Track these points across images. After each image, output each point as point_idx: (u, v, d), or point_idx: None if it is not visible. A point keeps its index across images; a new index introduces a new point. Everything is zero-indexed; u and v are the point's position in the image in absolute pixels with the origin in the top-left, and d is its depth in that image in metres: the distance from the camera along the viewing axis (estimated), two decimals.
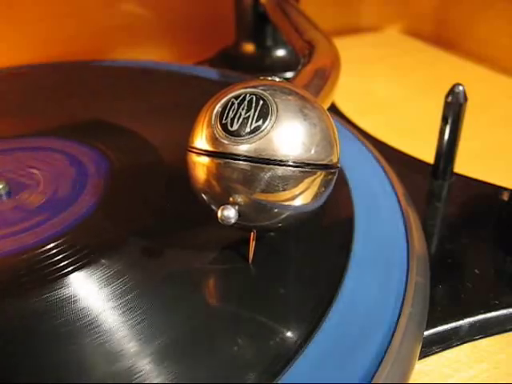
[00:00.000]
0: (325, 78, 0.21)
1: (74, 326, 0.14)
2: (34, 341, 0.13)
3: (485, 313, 0.17)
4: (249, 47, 0.38)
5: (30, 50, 0.39)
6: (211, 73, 0.33)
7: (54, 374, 0.13)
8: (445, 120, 0.22)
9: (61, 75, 0.33)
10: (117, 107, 0.27)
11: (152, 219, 0.18)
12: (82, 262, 0.16)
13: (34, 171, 0.21)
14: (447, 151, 0.23)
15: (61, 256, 0.16)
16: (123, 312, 0.14)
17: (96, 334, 0.13)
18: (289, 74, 0.35)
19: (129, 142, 0.23)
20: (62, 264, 0.16)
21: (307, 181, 0.14)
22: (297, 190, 0.14)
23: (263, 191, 0.13)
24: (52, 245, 0.16)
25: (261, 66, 0.37)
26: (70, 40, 0.40)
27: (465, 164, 0.24)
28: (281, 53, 0.38)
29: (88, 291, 0.15)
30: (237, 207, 0.14)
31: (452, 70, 0.40)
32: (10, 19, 0.38)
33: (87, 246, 0.16)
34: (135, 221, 0.18)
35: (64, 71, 0.33)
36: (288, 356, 0.13)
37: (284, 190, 0.13)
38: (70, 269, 0.15)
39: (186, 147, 0.15)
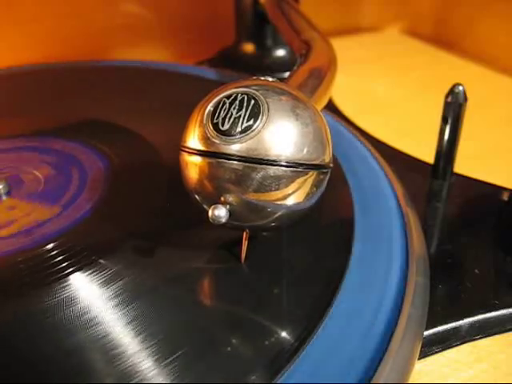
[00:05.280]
0: (320, 77, 0.21)
1: (73, 327, 0.14)
2: (33, 341, 0.13)
3: (485, 313, 0.17)
4: (249, 47, 0.38)
5: (30, 50, 0.39)
6: (211, 73, 0.33)
7: (53, 374, 0.13)
8: (445, 120, 0.22)
9: (60, 75, 0.33)
10: (117, 107, 0.27)
11: (151, 219, 0.18)
12: (82, 262, 0.16)
13: (34, 171, 0.21)
14: (447, 151, 0.23)
15: (60, 256, 0.16)
16: (122, 312, 0.14)
17: (95, 334, 0.13)
18: (288, 74, 0.35)
19: (129, 141, 0.23)
20: (61, 264, 0.16)
21: (299, 181, 0.14)
22: (288, 190, 0.14)
23: (255, 191, 0.13)
24: (51, 245, 0.16)
25: (260, 66, 0.37)
26: (70, 40, 0.40)
27: (465, 164, 0.24)
28: (281, 53, 0.38)
29: (87, 292, 0.15)
30: (228, 207, 0.13)
31: (452, 69, 0.40)
32: (9, 19, 0.38)
33: (86, 246, 0.16)
34: (134, 221, 0.18)
35: (64, 71, 0.33)
36: (287, 356, 0.13)
37: (276, 189, 0.13)
38: (69, 269, 0.15)
39: (178, 147, 0.15)
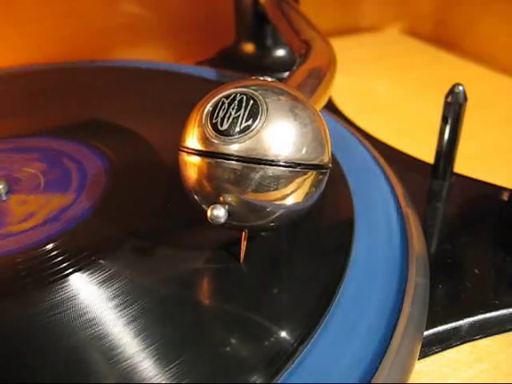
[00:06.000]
0: (320, 77, 0.21)
1: (73, 327, 0.14)
2: (33, 341, 0.13)
3: (485, 313, 0.17)
4: (249, 47, 0.38)
5: (30, 49, 0.39)
6: (211, 73, 0.33)
7: (53, 374, 0.13)
8: (445, 120, 0.22)
9: (60, 75, 0.33)
10: (116, 107, 0.27)
11: (151, 219, 0.18)
12: (81, 262, 0.16)
13: (34, 171, 0.21)
14: (447, 151, 0.23)
15: (60, 256, 0.16)
16: (122, 312, 0.14)
17: (95, 334, 0.13)
18: (287, 74, 0.35)
19: (129, 141, 0.23)
20: (61, 264, 0.16)
21: (298, 181, 0.14)
22: (287, 190, 0.14)
23: (254, 191, 0.13)
24: (51, 245, 0.16)
25: (260, 66, 0.37)
26: (70, 40, 0.40)
27: (465, 164, 0.24)
28: (281, 53, 0.38)
29: (87, 292, 0.15)
30: (227, 207, 0.13)
31: (452, 69, 0.40)
32: (9, 19, 0.38)
33: (86, 246, 0.16)
34: (134, 221, 0.18)
35: (64, 71, 0.33)
36: (287, 356, 0.13)
37: (274, 189, 0.13)
38: (69, 269, 0.15)
39: (178, 147, 0.15)
